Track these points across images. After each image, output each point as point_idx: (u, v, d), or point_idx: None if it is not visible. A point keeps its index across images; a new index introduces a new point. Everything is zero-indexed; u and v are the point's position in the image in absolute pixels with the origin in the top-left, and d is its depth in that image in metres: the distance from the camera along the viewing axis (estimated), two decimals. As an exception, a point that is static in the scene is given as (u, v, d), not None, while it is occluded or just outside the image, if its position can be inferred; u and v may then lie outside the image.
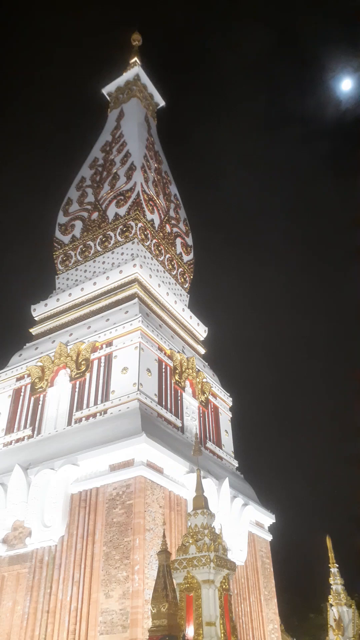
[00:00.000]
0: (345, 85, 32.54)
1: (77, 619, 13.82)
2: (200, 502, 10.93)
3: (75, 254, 26.16)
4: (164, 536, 10.77)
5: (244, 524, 18.72)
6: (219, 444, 22.44)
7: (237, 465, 23.12)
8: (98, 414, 18.13)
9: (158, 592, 10.07)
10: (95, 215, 26.34)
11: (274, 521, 21.82)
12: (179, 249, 27.92)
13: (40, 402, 20.29)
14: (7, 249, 52.63)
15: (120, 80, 33.44)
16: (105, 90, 33.84)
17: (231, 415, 24.53)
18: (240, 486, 20.85)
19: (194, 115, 64.82)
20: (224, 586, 10.24)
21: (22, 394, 21.07)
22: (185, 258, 28.37)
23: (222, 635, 9.59)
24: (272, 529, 21.89)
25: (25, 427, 19.98)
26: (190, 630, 9.73)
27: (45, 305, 24.54)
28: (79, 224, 26.75)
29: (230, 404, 24.78)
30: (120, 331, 19.47)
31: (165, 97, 34.76)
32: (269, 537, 21.48)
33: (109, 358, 19.33)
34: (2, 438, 20.22)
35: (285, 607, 23.08)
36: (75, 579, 14.41)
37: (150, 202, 26.15)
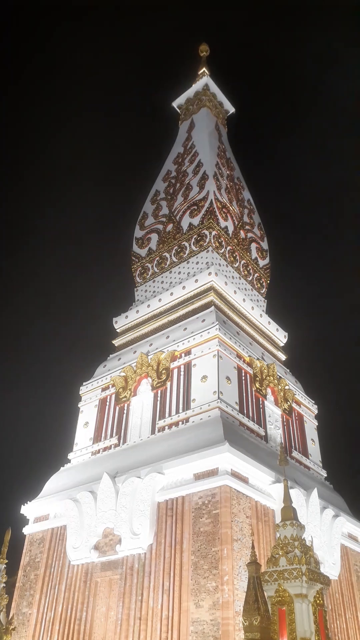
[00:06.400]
0: None
1: (168, 627, 13.91)
2: (289, 513, 10.63)
3: (152, 266, 26.74)
4: (252, 547, 10.59)
5: (335, 537, 17.93)
6: (305, 453, 21.74)
7: (325, 475, 22.24)
8: (180, 423, 18.26)
9: (249, 604, 9.89)
10: (170, 227, 26.80)
11: (368, 534, 20.69)
12: (254, 254, 27.63)
13: (125, 411, 20.83)
14: (89, 266, 54.96)
15: (189, 92, 33.96)
16: (175, 104, 34.50)
17: (317, 424, 23.68)
18: (330, 497, 20.02)
19: (266, 117, 64.15)
20: (318, 601, 9.84)
21: (107, 403, 21.77)
22: (261, 263, 28.00)
23: (319, 652, 9.21)
24: (366, 542, 20.76)
25: (111, 435, 20.59)
26: (284, 646, 9.43)
27: (126, 317, 25.26)
28: (154, 237, 27.35)
29: (316, 411, 23.94)
30: (198, 340, 19.55)
31: (235, 104, 34.81)
32: (364, 551, 20.39)
33: (188, 367, 19.46)
34: (90, 447, 20.97)
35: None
36: (165, 587, 14.53)
37: (224, 210, 26.16)
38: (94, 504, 16.87)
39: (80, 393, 23.12)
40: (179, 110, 34.31)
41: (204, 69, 34.82)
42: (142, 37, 59.81)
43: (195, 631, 13.27)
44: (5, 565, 14.50)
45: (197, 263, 24.14)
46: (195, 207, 25.92)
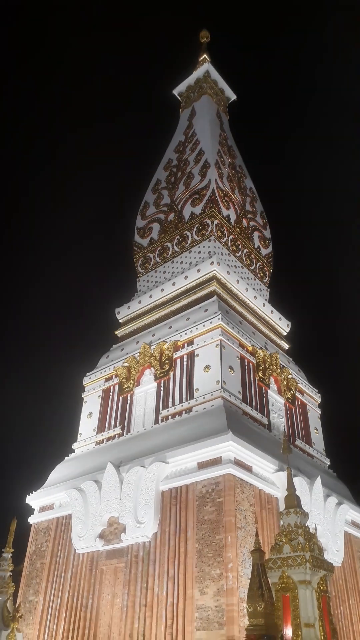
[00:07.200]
0: None
1: (173, 614, 14.05)
2: (293, 501, 10.67)
3: (154, 256, 26.64)
4: (256, 535, 10.64)
5: (339, 524, 18.03)
6: (308, 441, 21.79)
7: (329, 463, 22.31)
8: (183, 412, 18.30)
9: (253, 591, 9.95)
10: (171, 216, 26.64)
11: (372, 521, 20.79)
12: (256, 242, 27.48)
13: (128, 401, 20.89)
14: (91, 256, 54.77)
15: (190, 79, 33.55)
16: (176, 91, 34.11)
17: (320, 412, 23.72)
18: (333, 485, 20.10)
19: (268, 104, 63.53)
20: (321, 587, 9.91)
21: (110, 394, 21.83)
22: (264, 251, 27.86)
23: (322, 637, 9.28)
24: (370, 529, 20.87)
25: (115, 425, 20.67)
26: (288, 631, 9.52)
27: (128, 307, 25.22)
28: (156, 227, 27.21)
29: (319, 400, 23.96)
30: (200, 329, 19.52)
31: (236, 91, 34.40)
32: (367, 538, 20.51)
33: (191, 356, 19.45)
34: (94, 437, 21.07)
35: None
36: (169, 574, 14.66)
37: (226, 198, 25.98)
38: (99, 493, 16.99)
39: (83, 384, 23.19)
40: (179, 98, 33.94)
41: (204, 55, 34.37)
42: (143, 24, 59.11)
43: (200, 617, 13.41)
44: (11, 554, 14.65)
45: (199, 252, 24.04)
46: (197, 196, 25.74)
